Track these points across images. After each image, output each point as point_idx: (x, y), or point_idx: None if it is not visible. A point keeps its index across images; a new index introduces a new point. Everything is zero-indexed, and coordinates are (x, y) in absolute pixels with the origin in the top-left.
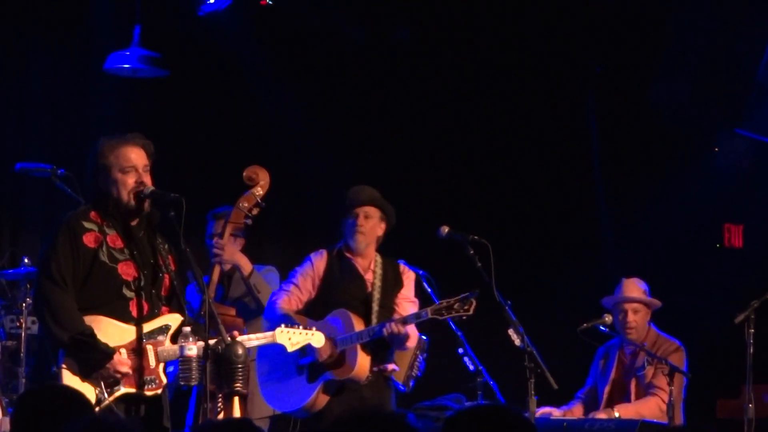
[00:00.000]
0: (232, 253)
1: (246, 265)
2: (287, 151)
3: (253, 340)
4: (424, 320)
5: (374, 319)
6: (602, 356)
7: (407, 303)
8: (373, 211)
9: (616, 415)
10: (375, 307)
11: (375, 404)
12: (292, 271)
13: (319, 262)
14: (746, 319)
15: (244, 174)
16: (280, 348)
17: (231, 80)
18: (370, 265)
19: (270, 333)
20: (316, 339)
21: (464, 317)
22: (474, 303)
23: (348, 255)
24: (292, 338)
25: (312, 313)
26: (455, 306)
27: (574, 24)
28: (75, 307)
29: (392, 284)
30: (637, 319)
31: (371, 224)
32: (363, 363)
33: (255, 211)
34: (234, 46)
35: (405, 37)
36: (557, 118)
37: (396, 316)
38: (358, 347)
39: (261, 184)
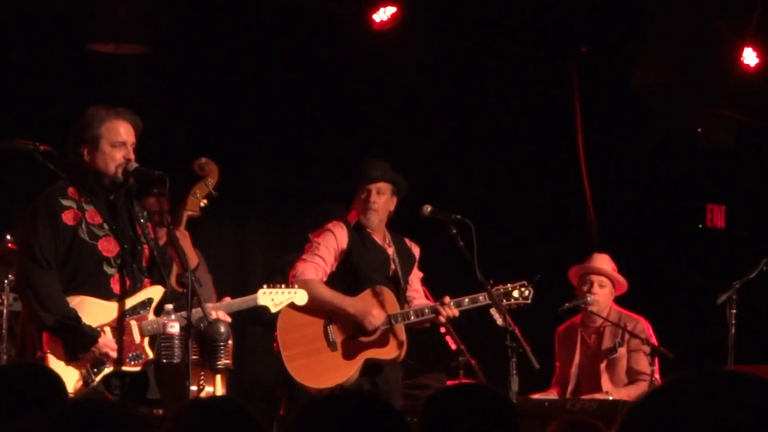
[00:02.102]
0: (188, 244)
1: (193, 257)
2: (270, 127)
3: (236, 303)
4: (478, 306)
5: (404, 298)
6: (563, 338)
7: (417, 279)
8: (385, 187)
9: (610, 398)
10: (402, 284)
11: (394, 386)
12: (311, 242)
13: (341, 234)
14: (728, 299)
15: (195, 164)
16: (304, 321)
17: (214, 57)
18: (385, 239)
19: (252, 296)
20: (299, 297)
21: (522, 306)
22: (533, 291)
23: (367, 230)
24: (275, 298)
25: (332, 287)
26: (513, 294)
27: (558, 4)
28: (59, 289)
29: (406, 259)
30: (601, 292)
31: (383, 200)
32: (405, 344)
33: (205, 202)
34: (216, 23)
35: (389, 16)
36: (541, 98)
37: (411, 293)
38: (403, 327)
39: (211, 174)
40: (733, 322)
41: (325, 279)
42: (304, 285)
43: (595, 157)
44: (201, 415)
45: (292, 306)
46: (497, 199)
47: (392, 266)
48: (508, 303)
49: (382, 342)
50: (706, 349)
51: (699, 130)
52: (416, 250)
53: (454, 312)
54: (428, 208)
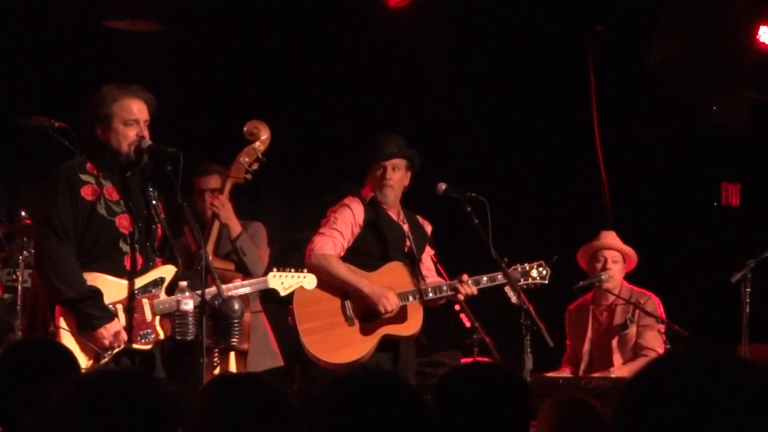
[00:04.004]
0: (229, 213)
1: (236, 226)
2: (286, 105)
3: (245, 286)
4: (496, 285)
5: (419, 274)
6: (574, 315)
7: (428, 256)
8: (401, 163)
9: (613, 375)
10: (417, 261)
11: (409, 362)
12: (328, 217)
13: (358, 209)
14: (743, 278)
15: (245, 128)
16: (322, 295)
17: (230, 34)
18: (399, 216)
19: (262, 278)
20: (308, 281)
21: (539, 286)
22: (550, 271)
23: (383, 206)
24: (284, 282)
25: (348, 262)
26: (531, 273)
27: None
28: (77, 264)
29: (420, 237)
30: (615, 269)
31: (399, 176)
32: (422, 321)
33: (255, 166)
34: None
35: None
36: (556, 76)
37: (424, 271)
38: (420, 304)
39: (262, 139)
40: (748, 300)
41: (342, 254)
42: (322, 259)
43: (610, 136)
44: (229, 392)
45: None
46: (512, 178)
47: (407, 242)
48: (525, 283)
49: (399, 319)
50: (720, 328)
51: (714, 108)
52: (428, 228)
53: (473, 290)
54: (443, 186)
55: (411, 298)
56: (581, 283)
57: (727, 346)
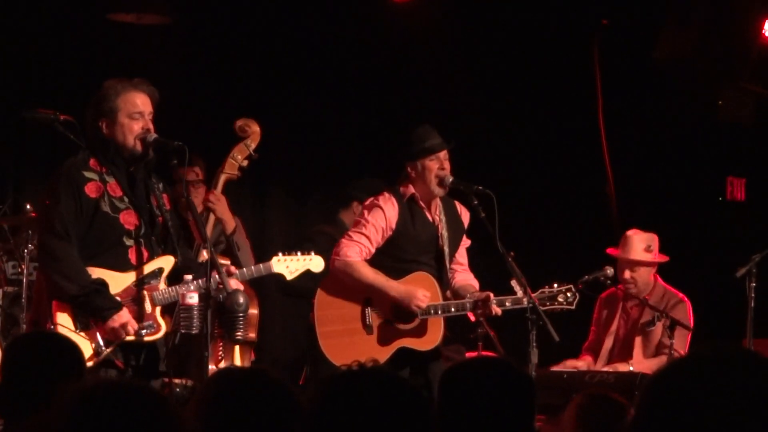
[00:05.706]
0: (224, 208)
1: (230, 221)
2: (292, 100)
3: (250, 272)
4: (520, 307)
5: (446, 280)
6: (604, 305)
7: (463, 248)
8: (446, 152)
9: (631, 368)
10: (446, 264)
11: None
12: (358, 219)
13: (392, 212)
14: (748, 272)
15: (236, 125)
16: (343, 299)
17: (235, 27)
18: (435, 211)
19: (266, 263)
20: (315, 263)
21: (566, 311)
22: (577, 297)
23: (421, 204)
24: (290, 265)
25: (374, 264)
26: (558, 298)
27: None
28: (79, 259)
29: (455, 232)
30: (635, 276)
31: (449, 167)
32: (441, 336)
33: (246, 163)
34: None
35: None
36: (562, 70)
37: (455, 265)
38: (441, 319)
39: (252, 136)
40: (753, 295)
41: (368, 258)
42: (347, 266)
43: (616, 130)
44: (232, 385)
45: (333, 284)
46: (516, 172)
47: (440, 243)
48: (551, 306)
49: (419, 332)
50: (725, 323)
51: (720, 102)
52: (466, 218)
53: (497, 311)
54: (450, 179)
55: (433, 312)
56: (586, 277)
57: (731, 341)
